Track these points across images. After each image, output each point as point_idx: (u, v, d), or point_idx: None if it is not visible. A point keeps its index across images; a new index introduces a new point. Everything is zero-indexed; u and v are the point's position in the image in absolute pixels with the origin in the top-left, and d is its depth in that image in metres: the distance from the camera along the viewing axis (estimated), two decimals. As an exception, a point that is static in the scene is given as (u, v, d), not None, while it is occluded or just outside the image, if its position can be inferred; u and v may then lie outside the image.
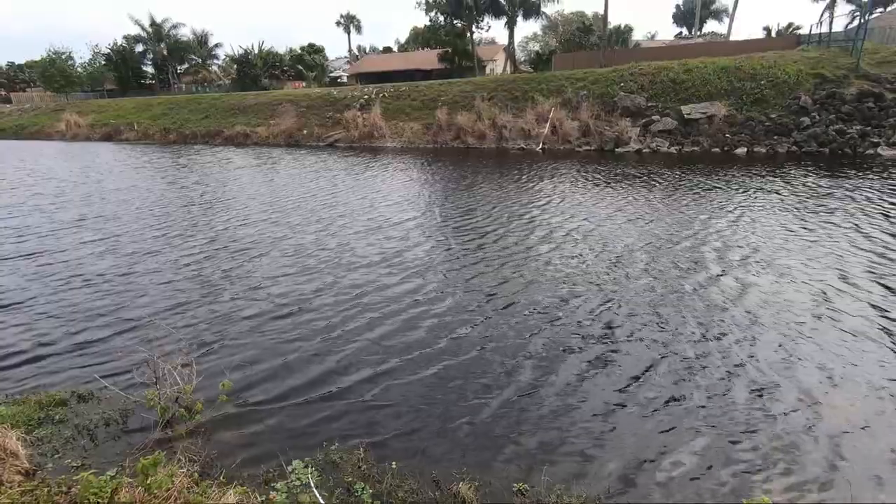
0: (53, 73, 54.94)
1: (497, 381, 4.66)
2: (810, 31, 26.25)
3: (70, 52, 57.93)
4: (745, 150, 19.28)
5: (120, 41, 56.10)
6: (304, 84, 51.59)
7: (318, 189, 14.93)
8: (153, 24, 53.89)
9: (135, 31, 54.83)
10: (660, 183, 13.91)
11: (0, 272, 8.07)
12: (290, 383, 4.61)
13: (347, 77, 55.44)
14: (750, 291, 6.44)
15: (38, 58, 60.28)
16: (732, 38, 35.58)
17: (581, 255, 8.09)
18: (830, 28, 25.63)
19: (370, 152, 24.43)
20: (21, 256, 8.86)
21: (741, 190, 12.64)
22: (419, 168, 18.99)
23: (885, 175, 13.71)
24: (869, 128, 18.15)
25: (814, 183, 13.05)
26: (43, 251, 9.12)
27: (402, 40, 69.94)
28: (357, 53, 72.85)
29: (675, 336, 5.37)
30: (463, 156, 22.16)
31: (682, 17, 60.27)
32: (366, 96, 30.40)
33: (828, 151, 18.02)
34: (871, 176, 13.66)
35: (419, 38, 59.05)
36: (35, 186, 16.81)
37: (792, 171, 14.74)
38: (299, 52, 58.57)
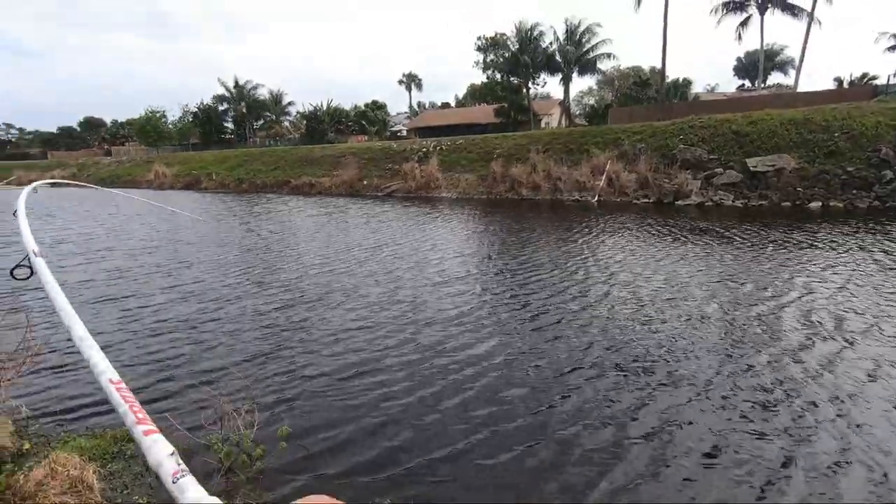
0: (149, 130, 61.63)
1: (602, 465, 4.15)
2: (888, 80, 25.03)
3: (164, 111, 65.05)
4: (820, 204, 18.17)
5: (207, 101, 62.46)
6: (366, 138, 54.71)
7: (385, 239, 15.20)
8: (237, 85, 59.80)
9: (220, 91, 60.94)
10: (730, 237, 13.29)
11: (91, 312, 8.83)
12: (353, 434, 4.61)
13: (407, 131, 58.28)
14: (838, 367, 5.88)
15: (136, 115, 68.00)
16: (800, 90, 34.51)
17: (656, 317, 7.77)
18: (911, 78, 24.30)
19: (427, 202, 25.17)
20: (107, 299, 9.67)
21: (828, 247, 11.80)
22: (477, 219, 19.29)
23: None
24: (964, 182, 16.67)
25: (902, 241, 12.01)
26: (128, 294, 9.92)
27: (460, 96, 73.23)
28: (416, 109, 76.82)
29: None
30: (517, 207, 22.34)
31: (745, 69, 59.41)
32: (424, 149, 31.70)
33: (917, 207, 16.63)
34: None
35: (476, 94, 61.60)
36: (123, 233, 18.50)
37: (879, 227, 13.66)
38: (363, 108, 62.62)
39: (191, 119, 64.78)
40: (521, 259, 11.91)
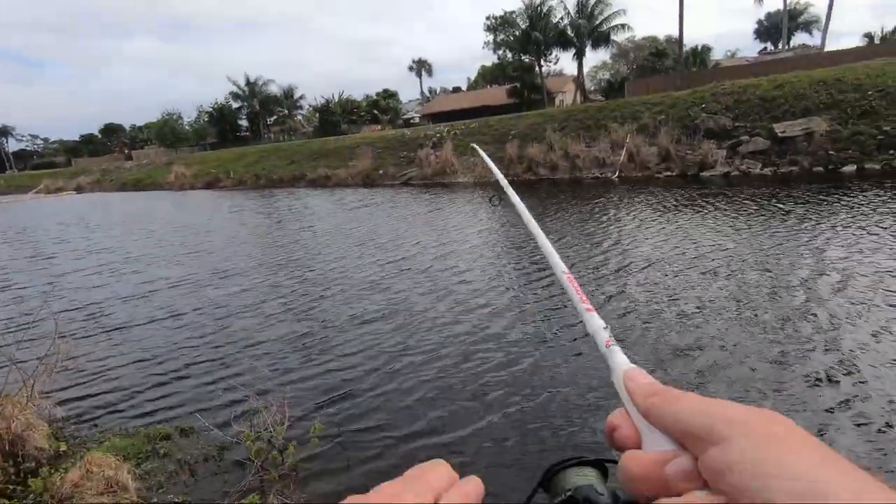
0: (166, 132, 62.57)
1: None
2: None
3: (180, 113, 65.93)
4: (855, 167, 17.34)
5: (220, 100, 63.01)
6: (379, 127, 54.54)
7: (408, 228, 14.98)
8: (248, 82, 60.07)
9: (232, 89, 61.33)
10: (757, 208, 12.78)
11: (120, 311, 8.97)
12: (385, 430, 4.53)
13: (420, 118, 57.88)
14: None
15: (153, 119, 69.11)
16: (827, 49, 32.88)
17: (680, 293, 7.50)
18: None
19: (444, 188, 24.95)
20: (138, 297, 9.81)
21: (861, 211, 11.23)
22: (486, 203, 19.03)
23: None
24: None
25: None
26: (158, 292, 10.05)
27: (472, 79, 72.21)
28: (428, 95, 76.15)
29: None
30: (536, 187, 21.96)
31: (767, 31, 57.03)
32: (437, 135, 31.36)
33: (960, 164, 15.73)
34: None
35: (487, 76, 60.67)
36: (161, 239, 18.84)
37: (917, 189, 12.95)
38: (375, 97, 62.34)
39: (206, 119, 65.52)
40: (526, 238, 11.64)
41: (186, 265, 12.34)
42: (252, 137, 62.23)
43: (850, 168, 17.39)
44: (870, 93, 18.98)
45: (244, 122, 65.22)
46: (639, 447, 0.36)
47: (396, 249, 12.00)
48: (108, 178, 52.73)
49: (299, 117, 66.25)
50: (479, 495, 0.37)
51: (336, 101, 59.02)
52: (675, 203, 14.57)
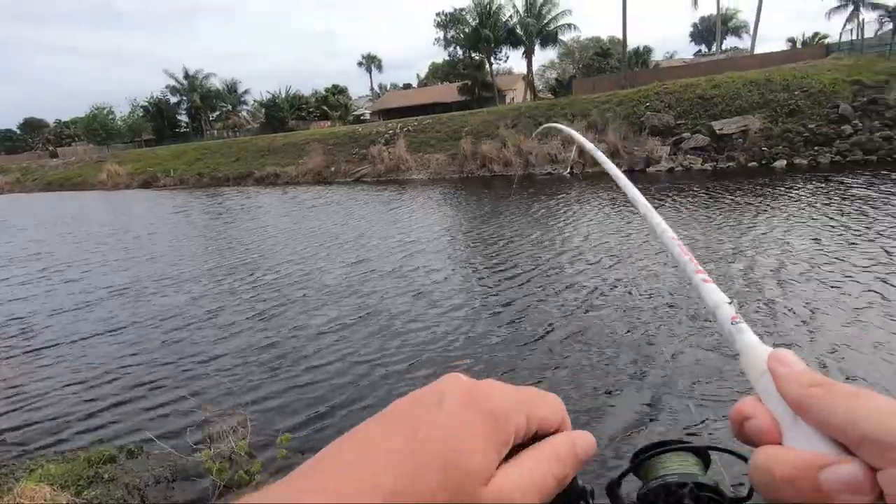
0: (96, 128, 58.26)
1: None
2: (840, 38, 25.67)
3: (111, 107, 61.51)
4: (785, 162, 18.59)
5: (156, 94, 59.35)
6: (329, 123, 53.21)
7: (363, 228, 14.71)
8: (187, 75, 56.91)
9: (169, 83, 57.88)
10: (693, 201, 13.41)
11: (53, 326, 8.18)
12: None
13: (370, 114, 56.97)
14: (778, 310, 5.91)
15: (81, 114, 64.17)
16: (756, 52, 35.13)
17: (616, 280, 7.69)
18: (862, 34, 24.94)
19: (398, 185, 24.65)
20: (74, 309, 8.99)
21: (778, 203, 12.02)
22: (450, 199, 18.97)
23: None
24: (918, 132, 17.30)
25: (861, 193, 12.34)
26: (90, 303, 9.25)
27: (422, 76, 71.90)
28: (378, 91, 75.14)
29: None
30: (490, 184, 22.11)
31: (701, 34, 60.20)
32: (390, 131, 30.96)
33: (875, 159, 17.19)
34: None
35: (438, 73, 60.54)
36: (96, 244, 17.43)
37: (836, 181, 14.02)
38: (324, 93, 60.75)
39: (141, 114, 61.53)
40: (489, 236, 11.71)
41: (129, 272, 11.44)
42: (193, 134, 59.00)
43: (780, 163, 18.62)
44: (796, 93, 20.40)
45: (184, 118, 61.76)
46: (777, 443, 0.31)
47: (361, 249, 11.65)
48: (29, 178, 48.55)
49: (244, 113, 63.54)
50: (588, 451, 0.33)
51: (283, 96, 57.05)
52: (618, 198, 15.01)
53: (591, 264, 8.72)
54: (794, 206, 11.72)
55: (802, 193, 13.08)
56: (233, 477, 3.35)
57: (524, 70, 45.58)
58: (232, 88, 61.00)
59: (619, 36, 37.46)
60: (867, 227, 9.22)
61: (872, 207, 10.77)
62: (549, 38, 40.62)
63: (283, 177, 31.73)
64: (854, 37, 25.13)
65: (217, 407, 4.37)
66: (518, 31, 40.54)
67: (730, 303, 0.41)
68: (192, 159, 39.54)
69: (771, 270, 7.53)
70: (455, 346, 5.93)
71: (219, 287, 9.47)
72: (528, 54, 41.65)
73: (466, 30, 42.49)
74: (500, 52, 43.67)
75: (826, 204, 11.61)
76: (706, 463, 0.51)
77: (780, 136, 19.40)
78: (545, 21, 39.84)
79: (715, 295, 0.43)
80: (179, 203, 25.89)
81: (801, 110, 19.88)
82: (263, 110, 57.18)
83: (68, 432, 4.88)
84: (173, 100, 59.10)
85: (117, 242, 15.49)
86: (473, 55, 44.09)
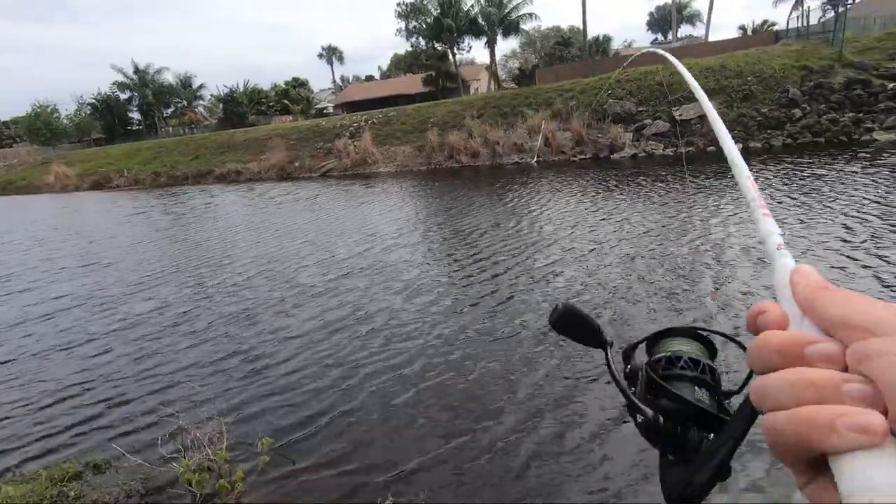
0: (39, 127, 54.94)
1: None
2: (787, 25, 26.73)
3: (55, 105, 58.02)
4: (741, 145, 19.25)
5: (105, 90, 56.42)
6: (291, 118, 51.89)
7: (328, 223, 14.45)
8: (137, 70, 54.33)
9: (119, 79, 55.03)
10: (654, 186, 13.77)
11: (4, 340, 7.69)
12: (336, 440, 4.21)
13: (334, 108, 55.88)
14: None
15: (22, 112, 60.37)
16: (710, 39, 36.25)
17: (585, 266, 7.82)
18: (807, 22, 26.05)
19: (366, 179, 24.30)
20: (28, 321, 8.47)
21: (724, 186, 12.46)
22: (418, 191, 18.83)
23: (882, 159, 13.65)
24: (861, 114, 18.24)
25: (808, 172, 12.95)
26: (48, 314, 8.74)
27: (385, 67, 70.92)
28: (341, 84, 73.72)
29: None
30: (458, 175, 22.07)
31: (657, 23, 61.60)
32: (355, 124, 30.44)
33: (823, 140, 18.05)
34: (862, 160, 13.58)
35: (401, 64, 59.86)
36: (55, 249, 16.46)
37: (789, 162, 14.66)
38: (284, 87, 59.14)
39: (89, 112, 58.37)
40: (464, 228, 11.71)
41: (88, 278, 10.81)
42: (147, 131, 56.44)
43: (737, 146, 19.25)
44: (749, 78, 21.15)
45: (136, 115, 58.99)
46: (784, 327, 0.36)
47: (333, 247, 11.31)
48: (-34, 182, 45.39)
49: (201, 108, 61.19)
50: None
51: (242, 90, 55.19)
52: (589, 183, 15.32)
53: (567, 250, 8.81)
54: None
55: (758, 175, 13.60)
56: (214, 487, 3.21)
57: (487, 60, 45.60)
58: (186, 83, 58.65)
59: (580, 25, 37.91)
60: (825, 206, 9.67)
61: (826, 185, 11.32)
62: (510, 28, 40.74)
63: (246, 174, 30.79)
64: (800, 24, 26.19)
65: (191, 415, 4.18)
66: (480, 20, 40.47)
67: (780, 233, 0.45)
68: (146, 158, 37.85)
69: (739, 248, 7.80)
70: (436, 342, 5.89)
71: (186, 291, 9.10)
72: (491, 44, 41.68)
73: (428, 20, 42.12)
74: (463, 42, 43.56)
75: (786, 184, 12.11)
76: (712, 353, 0.62)
77: (735, 121, 20.09)
78: (506, 10, 39.90)
79: (768, 225, 0.47)
80: (139, 204, 24.77)
81: (755, 95, 20.65)
82: (221, 105, 55.22)
83: (27, 451, 4.60)
84: (123, 96, 56.38)
85: (73, 248, 14.67)
86: (436, 46, 43.80)
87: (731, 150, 0.64)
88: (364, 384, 5.06)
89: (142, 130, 57.12)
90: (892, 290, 5.78)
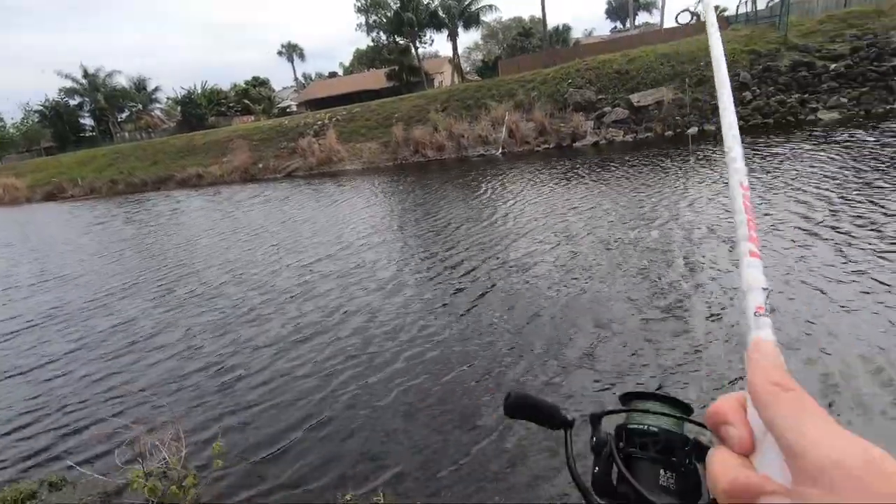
0: (-17, 137, 52.14)
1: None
2: (737, 10, 27.60)
3: (-1, 114, 55.05)
4: (697, 129, 19.90)
5: (52, 97, 53.86)
6: (252, 118, 50.69)
7: (293, 223, 14.40)
8: (86, 75, 52.03)
9: (67, 85, 52.58)
10: (614, 172, 14.11)
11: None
12: (289, 435, 4.24)
13: (297, 106, 54.86)
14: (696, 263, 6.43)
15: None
16: (665, 26, 37.13)
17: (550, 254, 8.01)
18: (755, 6, 26.93)
19: (332, 177, 24.03)
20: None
21: (692, 166, 12.94)
22: (385, 187, 18.76)
23: (823, 137, 14.31)
24: (806, 95, 19.06)
25: (767, 152, 13.49)
26: (13, 332, 8.39)
27: (347, 63, 69.96)
28: (303, 82, 72.38)
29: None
30: (425, 170, 22.07)
31: (616, 12, 62.60)
32: (319, 122, 30.02)
33: (772, 122, 18.80)
34: (801, 138, 14.23)
35: (363, 60, 59.15)
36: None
37: (743, 143, 15.18)
38: (244, 86, 57.66)
39: (37, 120, 55.68)
40: (437, 223, 11.77)
41: (50, 294, 10.34)
42: (101, 137, 54.15)
43: (693, 130, 19.89)
44: (702, 63, 21.78)
45: (88, 121, 56.54)
46: (748, 451, 0.31)
47: (305, 249, 11.09)
48: None
49: (157, 112, 59.12)
50: None
51: (200, 91, 53.55)
52: (553, 172, 15.57)
53: (539, 242, 8.94)
54: (707, 169, 12.63)
55: (714, 157, 14.10)
56: (165, 493, 3.19)
57: (450, 53, 45.52)
58: (140, 86, 56.48)
59: (539, 15, 38.25)
60: (785, 183, 10.05)
61: (780, 164, 11.81)
62: (471, 20, 40.71)
63: (208, 177, 30.03)
64: (749, 9, 27.06)
65: (147, 425, 4.13)
66: (440, 13, 40.31)
67: (766, 289, 0.36)
68: (102, 165, 36.47)
69: (699, 228, 8.10)
70: (413, 342, 5.89)
71: (153, 303, 8.84)
72: (453, 37, 41.58)
73: (388, 14, 41.72)
74: (425, 35, 43.31)
75: (745, 164, 12.53)
76: (687, 413, 0.57)
77: (690, 105, 20.72)
78: (466, 2, 39.84)
79: (753, 274, 0.37)
80: (98, 214, 23.85)
81: (708, 79, 21.26)
82: (179, 108, 53.46)
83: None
84: (73, 102, 53.91)
85: (31, 264, 14.04)
86: (398, 40, 43.46)
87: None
88: (337, 389, 5.04)
89: (96, 137, 54.78)
90: (853, 262, 6.03)
